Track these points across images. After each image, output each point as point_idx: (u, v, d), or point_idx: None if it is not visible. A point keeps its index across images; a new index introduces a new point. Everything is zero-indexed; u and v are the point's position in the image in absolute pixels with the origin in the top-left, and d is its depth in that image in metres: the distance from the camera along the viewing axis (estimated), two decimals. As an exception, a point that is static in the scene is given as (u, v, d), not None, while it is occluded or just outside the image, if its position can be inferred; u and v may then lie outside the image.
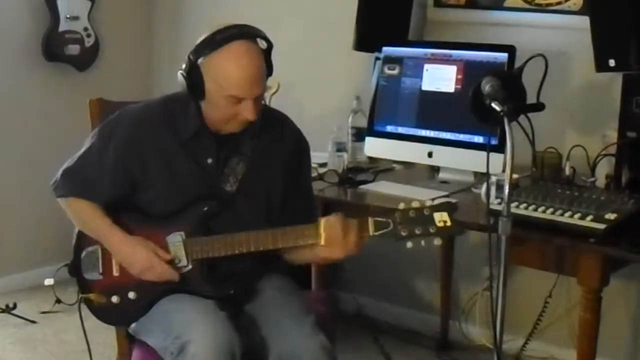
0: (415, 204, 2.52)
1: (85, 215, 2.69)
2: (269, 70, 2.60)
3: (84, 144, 2.70)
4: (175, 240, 2.60)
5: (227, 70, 2.48)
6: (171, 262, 2.59)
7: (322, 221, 2.54)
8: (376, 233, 2.51)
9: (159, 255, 2.58)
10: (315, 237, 2.54)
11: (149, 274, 2.59)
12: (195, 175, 2.62)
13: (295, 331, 2.55)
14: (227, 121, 2.56)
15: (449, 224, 2.49)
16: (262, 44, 2.57)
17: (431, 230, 2.49)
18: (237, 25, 2.54)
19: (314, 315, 2.63)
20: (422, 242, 2.51)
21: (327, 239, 2.53)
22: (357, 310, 4.40)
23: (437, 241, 2.50)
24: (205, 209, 2.61)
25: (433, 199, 2.65)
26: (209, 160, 2.63)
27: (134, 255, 2.60)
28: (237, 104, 2.50)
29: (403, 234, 2.49)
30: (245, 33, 2.53)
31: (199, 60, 2.50)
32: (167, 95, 2.72)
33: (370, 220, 2.51)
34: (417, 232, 2.49)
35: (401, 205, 2.51)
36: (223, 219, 2.62)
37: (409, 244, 2.51)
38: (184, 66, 2.53)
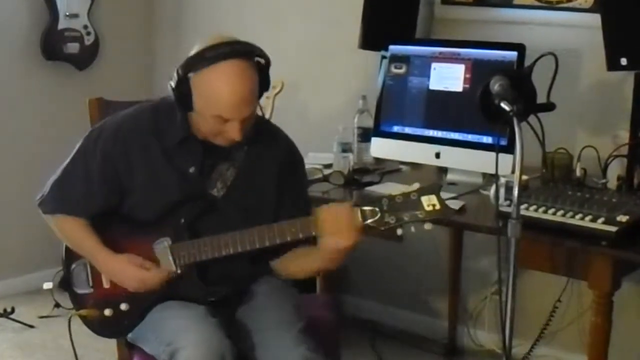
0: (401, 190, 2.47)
1: (72, 235, 2.72)
2: (264, 86, 2.58)
3: (69, 155, 2.71)
4: (162, 246, 2.62)
5: (215, 90, 2.46)
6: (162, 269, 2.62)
7: (319, 210, 2.49)
8: (364, 223, 2.45)
9: (147, 267, 2.61)
10: (314, 226, 2.49)
11: (143, 287, 2.62)
12: (178, 182, 2.63)
13: (278, 342, 2.55)
14: (215, 136, 2.57)
15: (437, 207, 2.44)
16: (259, 60, 2.54)
17: (420, 215, 2.43)
18: (230, 43, 2.49)
19: (301, 324, 2.62)
20: (412, 228, 2.46)
21: (330, 227, 2.46)
22: (363, 315, 4.41)
23: (428, 226, 2.45)
24: (189, 213, 2.62)
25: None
26: (191, 170, 2.64)
27: (123, 274, 2.63)
28: (224, 123, 2.50)
29: (391, 221, 2.44)
30: (238, 51, 2.48)
31: (188, 75, 2.48)
32: (155, 101, 2.73)
33: (357, 210, 2.46)
34: (406, 218, 2.44)
35: (387, 192, 2.49)
36: (210, 223, 2.62)
37: (399, 231, 2.46)
38: (173, 78, 2.52)
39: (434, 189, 2.47)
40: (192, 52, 2.50)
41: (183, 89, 2.50)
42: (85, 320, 2.72)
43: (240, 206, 2.66)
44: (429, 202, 2.44)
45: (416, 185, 2.48)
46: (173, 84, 2.52)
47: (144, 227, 2.65)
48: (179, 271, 2.61)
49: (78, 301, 2.74)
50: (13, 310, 4.39)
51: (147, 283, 2.61)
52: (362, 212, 2.46)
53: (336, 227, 2.46)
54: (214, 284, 2.65)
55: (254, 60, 2.52)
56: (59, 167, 2.72)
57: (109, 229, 2.68)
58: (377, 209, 2.45)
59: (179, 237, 2.61)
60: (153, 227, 2.64)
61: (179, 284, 2.63)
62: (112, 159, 2.63)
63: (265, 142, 2.72)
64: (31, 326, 4.35)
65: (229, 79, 2.45)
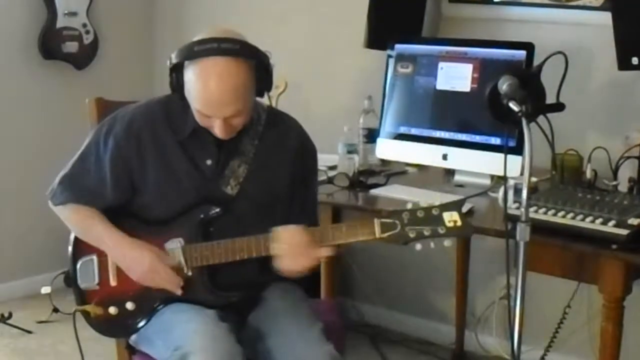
0: (423, 204, 2.50)
1: (85, 222, 2.70)
2: (264, 84, 2.56)
3: (80, 149, 2.72)
4: (174, 247, 2.61)
5: (195, 85, 2.47)
6: (176, 269, 2.61)
7: (275, 231, 2.53)
8: (383, 235, 2.48)
9: (162, 258, 2.60)
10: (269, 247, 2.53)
11: (151, 278, 2.61)
12: (194, 177, 2.63)
13: (302, 340, 2.56)
14: (208, 128, 2.58)
15: (459, 223, 2.46)
16: (253, 60, 2.51)
17: (440, 231, 2.46)
18: (219, 39, 2.47)
19: (321, 324, 2.64)
20: (432, 244, 2.49)
21: (284, 249, 2.51)
22: (368, 320, 4.41)
23: (448, 242, 2.48)
24: (204, 214, 2.62)
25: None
26: (208, 162, 2.64)
27: (139, 258, 2.60)
28: (208, 117, 2.51)
29: (411, 235, 2.47)
30: (224, 50, 2.45)
31: (179, 63, 2.52)
32: (166, 95, 2.72)
33: (376, 222, 2.49)
34: (426, 233, 2.47)
35: (409, 206, 2.51)
36: (224, 223, 2.63)
37: (418, 246, 2.49)
38: (168, 64, 2.55)
39: (457, 206, 2.49)
40: (183, 44, 2.53)
41: (174, 79, 2.54)
42: (88, 318, 2.70)
43: (253, 203, 2.66)
44: (450, 218, 2.47)
45: (438, 201, 2.51)
46: (168, 73, 2.55)
47: (156, 226, 2.65)
48: (190, 273, 2.61)
49: (82, 298, 2.72)
50: (11, 315, 4.40)
51: (157, 274, 2.59)
52: (382, 224, 2.48)
53: (290, 250, 2.50)
54: (225, 289, 2.65)
55: (244, 59, 2.48)
56: (68, 162, 2.72)
57: (119, 227, 2.66)
58: (397, 222, 2.48)
59: (192, 237, 2.61)
60: (166, 227, 2.63)
61: (188, 286, 2.63)
62: (125, 155, 2.63)
63: (278, 133, 2.72)
64: (29, 331, 4.36)
65: (209, 76, 2.45)
